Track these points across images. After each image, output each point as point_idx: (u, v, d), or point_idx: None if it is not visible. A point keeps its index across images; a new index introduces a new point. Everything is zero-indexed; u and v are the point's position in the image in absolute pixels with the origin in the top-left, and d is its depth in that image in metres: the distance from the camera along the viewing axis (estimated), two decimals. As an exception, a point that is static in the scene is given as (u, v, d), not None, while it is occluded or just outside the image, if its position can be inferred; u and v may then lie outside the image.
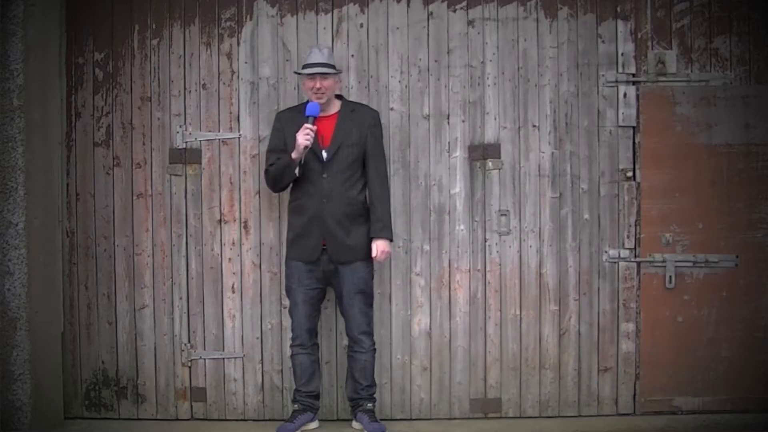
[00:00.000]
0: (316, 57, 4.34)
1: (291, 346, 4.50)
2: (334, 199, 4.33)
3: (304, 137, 4.22)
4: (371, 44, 4.68)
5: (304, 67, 4.37)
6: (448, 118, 4.69)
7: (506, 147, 4.68)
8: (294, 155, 4.27)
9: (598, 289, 4.70)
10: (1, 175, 4.30)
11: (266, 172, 4.43)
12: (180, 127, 4.66)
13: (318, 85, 4.31)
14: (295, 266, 4.40)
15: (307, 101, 4.35)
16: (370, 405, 4.47)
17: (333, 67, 4.36)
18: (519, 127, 4.68)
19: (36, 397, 4.37)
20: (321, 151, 4.33)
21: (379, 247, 4.37)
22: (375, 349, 4.47)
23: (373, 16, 4.68)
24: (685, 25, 4.69)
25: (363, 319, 4.42)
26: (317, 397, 4.52)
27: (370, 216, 4.38)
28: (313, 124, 4.26)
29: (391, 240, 4.43)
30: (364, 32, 4.68)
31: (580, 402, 4.71)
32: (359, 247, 4.37)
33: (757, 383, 4.68)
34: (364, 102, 4.65)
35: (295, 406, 4.48)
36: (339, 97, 4.47)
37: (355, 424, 4.50)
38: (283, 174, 4.34)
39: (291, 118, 4.40)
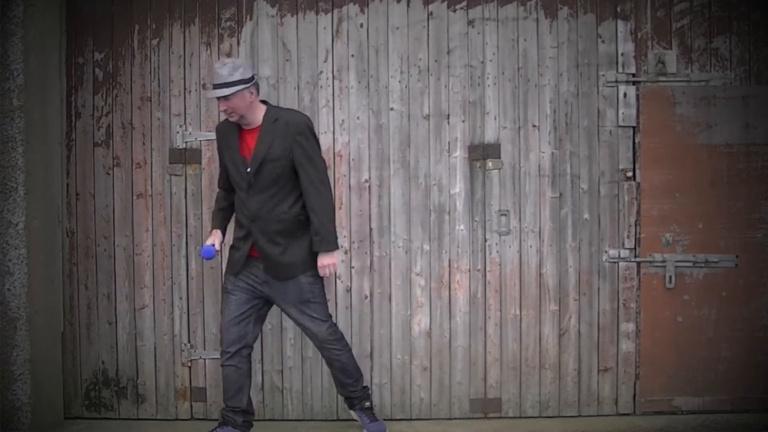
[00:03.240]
0: (216, 77, 4.02)
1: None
2: (261, 218, 4.07)
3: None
4: (371, 44, 4.68)
5: (211, 87, 4.15)
6: (448, 118, 4.69)
7: (506, 147, 4.68)
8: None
9: (598, 289, 4.70)
10: (1, 175, 4.30)
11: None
12: (180, 127, 4.67)
13: (223, 107, 4.05)
14: (227, 279, 4.20)
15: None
16: (367, 403, 4.39)
17: (237, 83, 4.01)
18: (519, 127, 4.68)
19: (36, 397, 4.37)
20: (246, 169, 4.08)
21: (321, 261, 4.11)
22: (348, 347, 4.31)
23: (373, 16, 4.68)
24: (685, 25, 4.69)
25: (318, 327, 4.18)
26: (244, 412, 4.20)
27: (311, 229, 4.11)
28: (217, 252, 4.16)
29: (334, 250, 4.12)
30: (364, 32, 4.68)
31: (580, 402, 4.72)
32: (298, 263, 4.10)
33: (757, 383, 4.68)
34: (364, 102, 4.65)
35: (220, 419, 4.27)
36: (265, 103, 4.18)
37: (353, 414, 4.45)
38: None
39: (223, 131, 4.20)
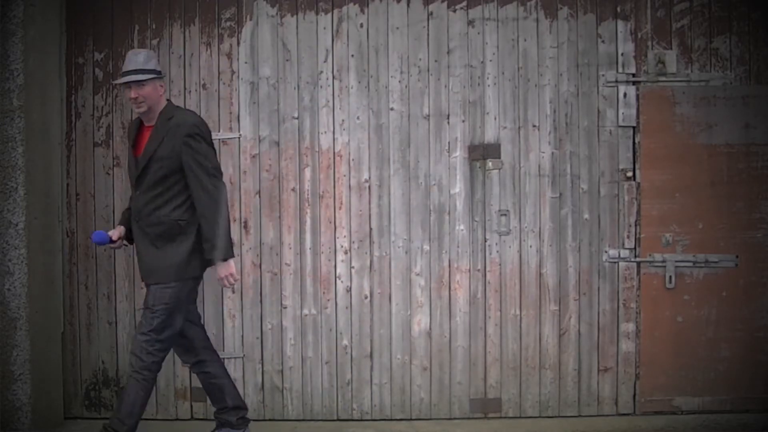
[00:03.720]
0: (131, 63, 3.98)
1: None
2: (143, 217, 3.97)
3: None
4: (371, 44, 4.68)
5: (119, 76, 4.07)
6: (448, 118, 4.69)
7: (506, 147, 4.68)
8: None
9: (598, 289, 4.70)
10: (1, 175, 4.30)
11: None
12: (180, 127, 4.66)
13: (134, 95, 3.96)
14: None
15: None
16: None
17: (152, 72, 3.99)
18: (519, 127, 4.68)
19: (36, 397, 4.37)
20: (135, 166, 4.02)
21: (218, 273, 3.98)
22: (148, 385, 3.95)
23: (373, 16, 4.68)
24: (685, 25, 4.69)
25: (138, 339, 3.95)
26: (235, 409, 4.23)
27: (202, 236, 3.95)
28: (114, 242, 4.08)
29: (228, 259, 3.98)
30: (364, 32, 4.68)
31: (580, 402, 4.72)
32: (165, 269, 3.94)
33: (757, 383, 4.68)
34: (364, 102, 4.65)
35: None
36: (169, 102, 4.14)
37: None
38: None
39: (129, 126, 4.22)
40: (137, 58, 3.99)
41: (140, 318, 4.06)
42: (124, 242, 4.20)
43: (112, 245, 4.18)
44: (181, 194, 3.96)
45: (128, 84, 3.98)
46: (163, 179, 3.94)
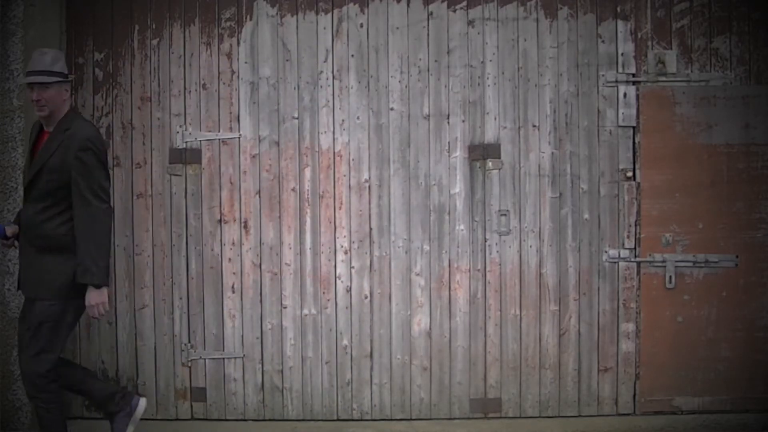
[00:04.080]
0: (36, 63, 3.73)
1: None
2: (30, 229, 3.75)
3: None
4: (371, 44, 4.68)
5: (25, 75, 3.82)
6: (448, 118, 4.69)
7: (506, 147, 4.68)
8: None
9: (598, 289, 4.70)
10: (1, 175, 4.30)
11: None
12: (180, 127, 4.66)
13: (36, 97, 3.71)
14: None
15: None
16: None
17: (59, 74, 3.75)
18: (519, 127, 4.68)
19: (36, 397, 4.37)
20: (26, 176, 3.81)
21: (88, 300, 3.71)
22: (54, 408, 3.79)
23: (373, 16, 4.68)
24: (685, 25, 4.69)
25: (28, 353, 3.75)
26: (102, 404, 4.03)
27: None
28: (8, 238, 3.83)
29: (101, 286, 3.72)
30: (364, 32, 4.68)
31: (580, 402, 4.72)
32: (56, 285, 3.73)
33: (757, 383, 4.68)
34: (364, 102, 4.65)
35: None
36: (73, 110, 3.91)
37: None
38: None
39: (31, 129, 3.96)
40: (44, 59, 3.74)
41: (20, 336, 3.83)
42: (16, 242, 3.94)
43: (4, 242, 3.91)
44: (71, 209, 3.72)
45: (31, 85, 3.73)
46: (53, 191, 3.71)
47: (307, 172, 4.68)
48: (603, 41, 4.69)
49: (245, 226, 4.68)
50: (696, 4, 4.69)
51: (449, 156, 4.69)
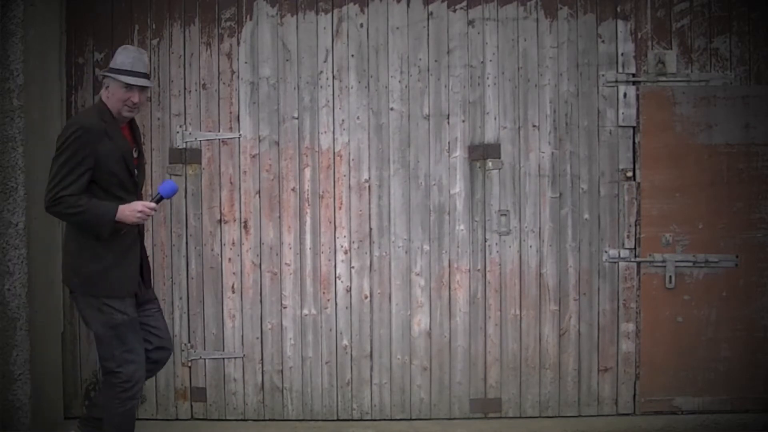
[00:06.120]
0: (140, 64, 3.67)
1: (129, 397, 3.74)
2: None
3: (137, 216, 3.64)
4: (371, 44, 4.68)
5: (126, 73, 3.65)
6: (448, 118, 4.69)
7: (506, 147, 4.68)
8: (119, 225, 3.62)
9: (598, 289, 4.70)
10: (1, 175, 4.30)
11: (76, 212, 3.56)
12: (180, 127, 4.66)
13: (136, 100, 3.66)
14: (118, 302, 3.67)
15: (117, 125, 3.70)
16: None
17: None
18: (519, 127, 4.68)
19: (36, 397, 4.37)
20: (134, 169, 3.77)
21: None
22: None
23: (373, 16, 4.68)
24: (685, 25, 4.70)
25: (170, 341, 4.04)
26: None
27: None
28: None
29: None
30: (364, 32, 4.68)
31: (580, 402, 4.72)
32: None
33: (757, 383, 4.68)
34: (364, 102, 4.66)
35: None
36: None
37: None
38: (100, 226, 3.60)
39: (96, 127, 3.61)
40: (144, 60, 3.71)
41: (161, 328, 3.96)
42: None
43: (156, 205, 3.77)
44: None
45: (130, 86, 3.65)
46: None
47: (307, 172, 4.68)
48: (603, 41, 4.69)
49: (245, 226, 4.68)
50: (696, 4, 4.69)
51: (449, 156, 4.69)
